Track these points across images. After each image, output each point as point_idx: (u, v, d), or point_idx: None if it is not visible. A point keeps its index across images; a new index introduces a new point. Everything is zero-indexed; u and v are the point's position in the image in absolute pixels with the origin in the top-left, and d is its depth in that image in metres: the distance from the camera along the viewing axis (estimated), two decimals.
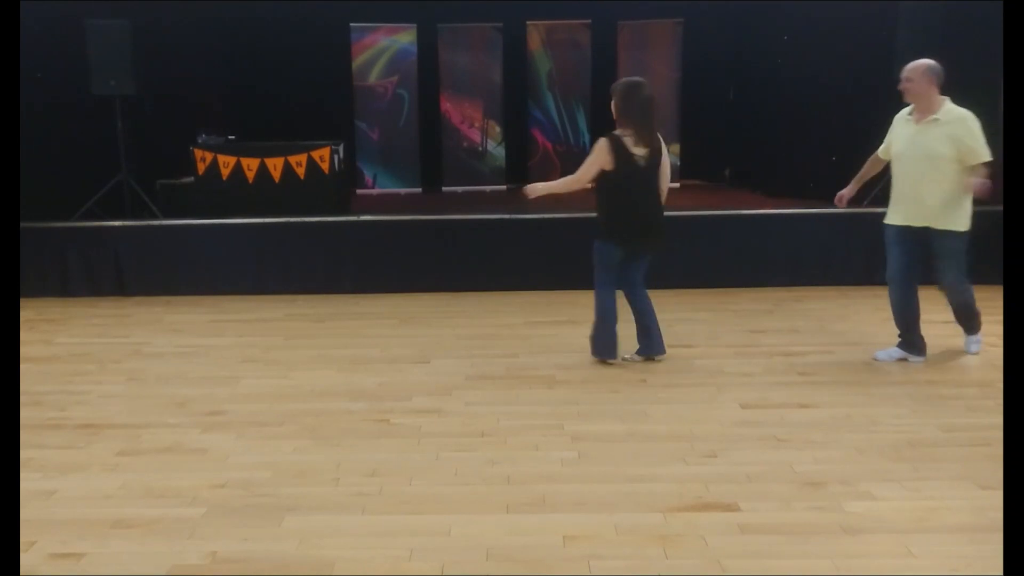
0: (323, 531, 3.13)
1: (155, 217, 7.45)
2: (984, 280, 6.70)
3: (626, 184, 4.72)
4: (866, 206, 7.22)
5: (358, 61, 9.88)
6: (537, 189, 4.89)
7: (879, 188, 7.42)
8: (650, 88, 4.79)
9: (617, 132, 4.71)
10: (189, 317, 6.40)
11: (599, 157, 4.71)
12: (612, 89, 4.80)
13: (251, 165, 7.59)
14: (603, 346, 4.97)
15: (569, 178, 4.83)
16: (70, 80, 7.49)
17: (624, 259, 4.90)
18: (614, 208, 4.79)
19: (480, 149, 10.08)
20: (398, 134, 10.01)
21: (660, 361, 5.05)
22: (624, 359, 5.04)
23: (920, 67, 4.71)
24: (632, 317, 5.02)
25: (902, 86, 4.78)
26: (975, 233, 6.84)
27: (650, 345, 5.04)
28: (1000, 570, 2.74)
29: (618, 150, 4.67)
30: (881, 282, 6.85)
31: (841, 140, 8.11)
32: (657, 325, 5.03)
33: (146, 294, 7.02)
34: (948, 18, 7.10)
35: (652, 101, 4.76)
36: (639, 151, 4.69)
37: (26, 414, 4.37)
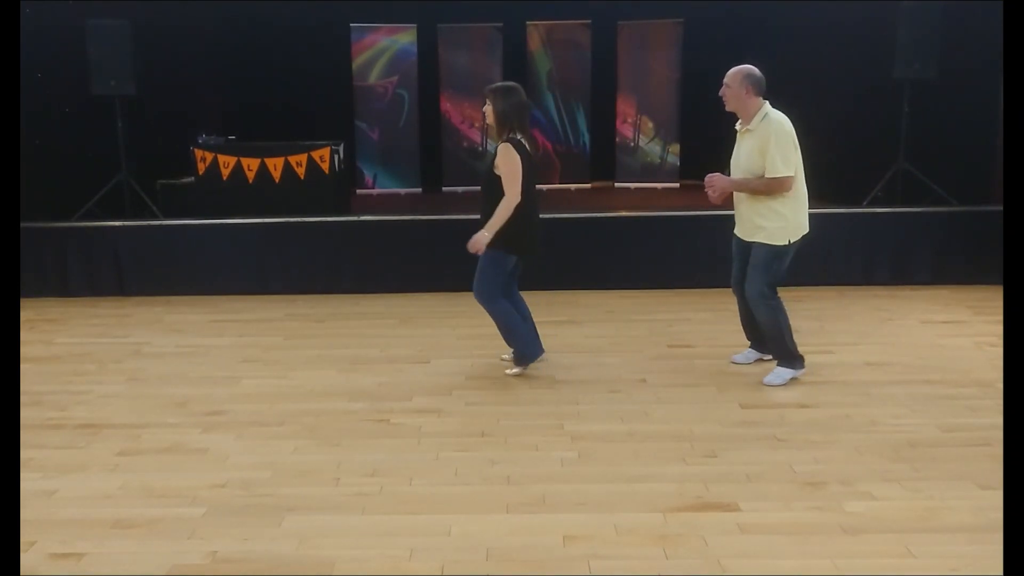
0: (323, 531, 3.13)
1: (155, 217, 7.45)
2: (984, 280, 6.77)
3: (528, 190, 4.55)
4: (866, 206, 7.23)
5: (358, 61, 9.87)
6: (481, 240, 4.52)
7: (879, 188, 7.45)
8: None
9: (517, 136, 4.52)
10: (189, 317, 6.40)
11: (516, 165, 4.46)
12: (492, 92, 4.56)
13: (251, 165, 7.59)
14: (531, 348, 4.82)
15: (503, 206, 4.46)
16: (70, 80, 7.48)
17: (513, 268, 4.76)
18: (519, 216, 4.52)
19: (480, 149, 10.07)
20: (398, 134, 10.00)
21: (544, 361, 5.01)
22: (503, 359, 5.02)
23: (737, 74, 4.46)
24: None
25: (721, 91, 4.55)
26: (974, 233, 6.93)
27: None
28: (1000, 570, 2.74)
29: (523, 154, 4.49)
30: (880, 282, 6.92)
31: (840, 140, 8.12)
32: (535, 327, 4.97)
33: (146, 294, 7.01)
34: (948, 18, 7.10)
35: (527, 105, 4.63)
36: (530, 154, 4.58)
37: (26, 414, 4.37)
